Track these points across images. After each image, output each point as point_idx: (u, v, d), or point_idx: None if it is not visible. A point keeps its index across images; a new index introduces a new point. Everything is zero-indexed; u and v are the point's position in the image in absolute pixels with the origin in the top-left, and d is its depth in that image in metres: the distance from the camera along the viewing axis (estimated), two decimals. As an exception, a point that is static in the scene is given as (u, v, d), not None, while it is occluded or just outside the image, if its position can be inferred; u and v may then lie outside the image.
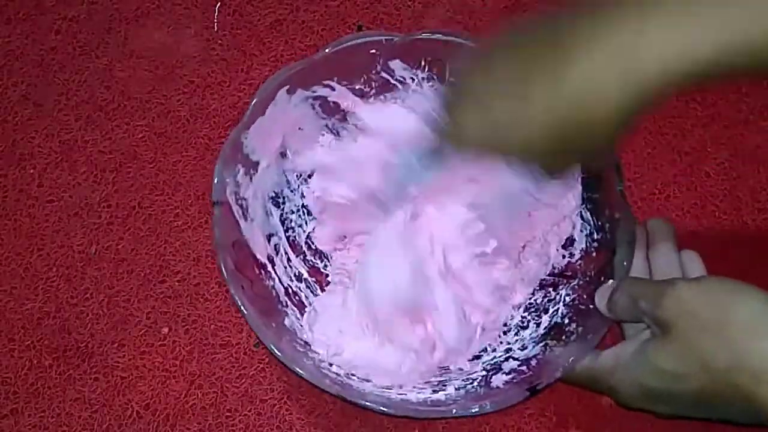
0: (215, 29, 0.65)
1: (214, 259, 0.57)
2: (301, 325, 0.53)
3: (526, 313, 0.55)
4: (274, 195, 0.56)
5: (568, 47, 0.38)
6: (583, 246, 0.54)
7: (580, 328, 0.50)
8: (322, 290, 0.56)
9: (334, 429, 0.53)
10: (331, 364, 0.51)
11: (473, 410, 0.47)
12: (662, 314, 0.43)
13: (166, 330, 0.56)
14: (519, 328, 0.54)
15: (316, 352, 0.51)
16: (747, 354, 0.40)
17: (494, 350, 0.53)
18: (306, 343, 0.52)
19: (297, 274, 0.56)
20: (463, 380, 0.51)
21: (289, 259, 0.55)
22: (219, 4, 0.65)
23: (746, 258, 0.58)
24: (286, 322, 0.52)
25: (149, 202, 0.59)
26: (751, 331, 0.40)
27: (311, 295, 0.55)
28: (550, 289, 0.54)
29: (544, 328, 0.52)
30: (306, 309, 0.54)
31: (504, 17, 0.66)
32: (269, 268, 0.53)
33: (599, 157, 0.44)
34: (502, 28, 0.43)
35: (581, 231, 0.54)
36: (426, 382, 0.51)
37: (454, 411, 0.47)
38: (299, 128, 0.56)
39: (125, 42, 0.64)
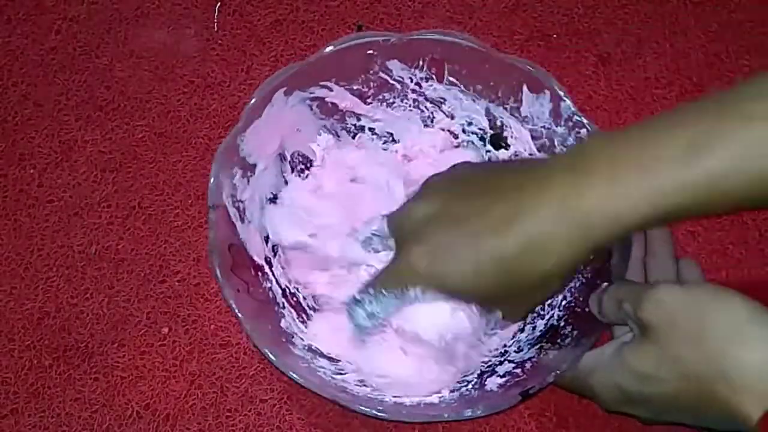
0: (215, 29, 0.65)
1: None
2: (299, 327, 0.53)
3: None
4: (271, 196, 0.56)
5: (515, 201, 0.41)
6: None
7: (575, 332, 0.50)
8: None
9: (334, 429, 0.53)
10: (335, 372, 0.50)
11: (466, 414, 0.46)
12: (642, 316, 0.43)
13: (166, 330, 0.56)
14: (516, 331, 0.54)
15: (316, 356, 0.51)
16: (724, 362, 0.39)
17: (490, 352, 0.53)
18: (307, 347, 0.52)
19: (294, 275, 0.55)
20: (457, 383, 0.51)
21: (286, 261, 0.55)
22: (219, 4, 0.65)
23: (747, 258, 0.58)
24: (283, 324, 0.52)
25: (149, 202, 0.59)
26: (729, 339, 0.40)
27: (309, 296, 0.55)
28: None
29: (540, 331, 0.52)
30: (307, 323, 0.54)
31: (504, 17, 0.66)
32: (266, 270, 0.53)
33: (554, 295, 0.47)
34: (451, 171, 0.47)
35: None
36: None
37: (447, 415, 0.47)
38: (297, 129, 0.56)
39: (125, 42, 0.64)
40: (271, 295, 0.53)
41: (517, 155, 0.56)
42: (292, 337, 0.51)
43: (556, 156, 0.45)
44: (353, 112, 0.57)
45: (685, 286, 0.43)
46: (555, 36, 0.65)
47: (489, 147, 0.58)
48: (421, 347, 0.49)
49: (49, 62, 0.63)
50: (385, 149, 0.59)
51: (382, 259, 0.51)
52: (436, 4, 0.66)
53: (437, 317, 0.47)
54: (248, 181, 0.53)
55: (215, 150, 0.51)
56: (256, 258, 0.53)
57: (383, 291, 0.45)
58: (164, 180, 0.60)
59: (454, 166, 0.49)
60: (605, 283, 0.48)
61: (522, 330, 0.53)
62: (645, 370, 0.42)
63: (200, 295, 0.56)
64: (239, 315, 0.47)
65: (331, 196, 0.56)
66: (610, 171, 0.39)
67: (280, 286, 0.54)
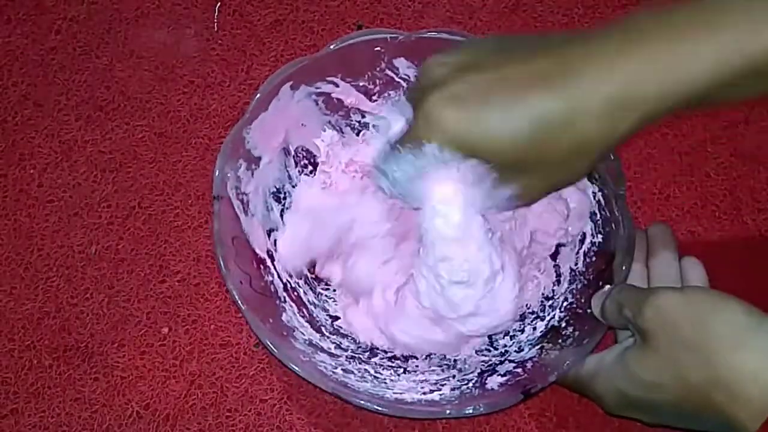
0: (215, 29, 0.65)
1: (214, 258, 0.57)
2: (299, 322, 0.53)
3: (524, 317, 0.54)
4: (275, 190, 0.56)
5: (563, 65, 0.38)
6: (584, 249, 0.54)
7: (576, 332, 0.50)
8: (322, 288, 0.56)
9: (334, 429, 0.53)
10: (335, 367, 0.51)
11: (467, 412, 0.47)
12: (642, 323, 0.43)
13: (166, 330, 0.56)
14: (517, 331, 0.54)
15: (317, 350, 0.51)
16: (723, 369, 0.39)
17: (490, 351, 0.53)
18: (309, 342, 0.52)
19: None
20: (458, 381, 0.51)
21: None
22: (219, 4, 0.65)
23: (746, 258, 0.58)
24: (284, 317, 0.52)
25: (149, 202, 0.59)
26: (729, 346, 0.39)
27: (310, 291, 0.55)
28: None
29: (541, 331, 0.52)
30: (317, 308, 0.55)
31: (504, 17, 0.66)
32: (268, 263, 0.53)
33: (578, 178, 0.44)
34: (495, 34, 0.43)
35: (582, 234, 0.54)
36: (423, 381, 0.51)
37: (448, 412, 0.47)
38: (302, 124, 0.56)
39: (125, 42, 0.64)
40: (272, 289, 0.53)
41: None
42: (293, 331, 0.51)
43: (608, 24, 0.41)
44: (358, 109, 0.57)
45: (685, 292, 0.43)
46: (555, 36, 0.65)
47: None
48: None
49: (49, 62, 0.63)
50: None
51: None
52: (436, 4, 0.66)
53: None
54: (252, 174, 0.53)
55: (215, 150, 0.51)
56: (258, 251, 0.53)
57: (399, 147, 0.41)
58: (164, 180, 0.60)
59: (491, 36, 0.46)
60: (607, 286, 0.48)
61: (522, 330, 0.53)
62: (646, 376, 0.42)
63: (200, 295, 0.56)
64: (241, 306, 0.47)
65: (344, 193, 0.56)
66: (664, 40, 0.37)
67: (282, 280, 0.54)
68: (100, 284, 0.57)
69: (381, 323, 0.53)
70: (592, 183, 0.53)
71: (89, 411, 0.53)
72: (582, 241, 0.54)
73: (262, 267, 0.53)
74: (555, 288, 0.54)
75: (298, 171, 0.57)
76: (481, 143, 0.39)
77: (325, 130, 0.57)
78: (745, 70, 0.37)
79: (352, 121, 0.58)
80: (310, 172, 0.57)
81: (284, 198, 0.56)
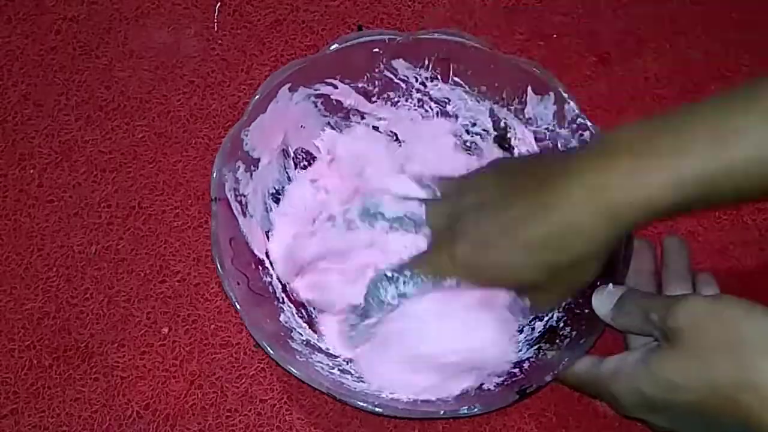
0: (215, 29, 0.65)
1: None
2: (297, 323, 0.53)
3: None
4: (274, 191, 0.56)
5: (549, 190, 0.44)
6: None
7: (573, 332, 0.50)
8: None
9: (334, 429, 0.53)
10: (333, 367, 0.51)
11: (461, 412, 0.47)
12: (672, 325, 0.43)
13: (166, 330, 0.56)
14: (515, 332, 0.54)
15: (314, 351, 0.51)
16: (756, 372, 0.39)
17: None
18: (307, 342, 0.52)
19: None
20: None
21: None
22: (219, 4, 0.65)
23: (747, 258, 0.58)
24: (282, 318, 0.52)
25: (149, 202, 0.59)
26: (760, 350, 0.40)
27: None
28: None
29: (539, 331, 0.52)
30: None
31: (504, 17, 0.66)
32: (267, 264, 0.53)
33: (591, 278, 0.48)
34: (488, 165, 0.51)
35: None
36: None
37: (443, 412, 0.47)
38: (301, 126, 0.56)
39: (125, 42, 0.64)
40: (271, 290, 0.53)
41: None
42: (291, 332, 0.51)
43: (585, 146, 0.49)
44: (358, 110, 0.57)
45: (717, 298, 0.44)
46: (555, 36, 0.65)
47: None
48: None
49: (49, 62, 0.63)
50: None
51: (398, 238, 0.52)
52: (436, 4, 0.66)
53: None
54: (251, 175, 0.53)
55: (215, 150, 0.51)
56: (256, 252, 0.53)
57: (422, 276, 0.48)
58: (164, 180, 0.60)
59: (491, 162, 0.52)
60: (610, 285, 0.48)
61: (521, 331, 0.53)
62: (671, 377, 0.43)
63: (200, 295, 0.56)
64: (239, 307, 0.47)
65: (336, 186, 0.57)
66: (634, 161, 0.41)
67: (281, 282, 0.54)
68: (100, 284, 0.57)
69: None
70: None
71: (89, 411, 0.53)
72: None
73: (260, 268, 0.53)
74: None
75: (298, 172, 0.57)
76: (494, 277, 0.47)
77: (324, 131, 0.57)
78: (706, 188, 0.40)
79: (351, 122, 0.58)
80: (304, 167, 0.57)
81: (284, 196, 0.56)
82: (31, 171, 0.60)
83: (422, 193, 0.52)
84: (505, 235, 0.45)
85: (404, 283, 0.48)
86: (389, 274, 0.48)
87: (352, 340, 0.51)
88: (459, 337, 0.50)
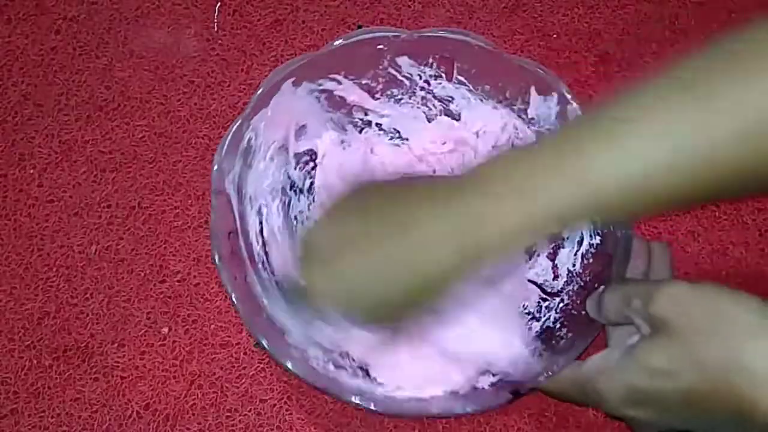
0: (215, 29, 0.65)
1: (214, 258, 0.57)
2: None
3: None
4: (274, 186, 0.56)
5: (404, 217, 0.41)
6: (582, 251, 0.54)
7: (569, 334, 0.50)
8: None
9: (334, 429, 0.53)
10: (327, 362, 0.50)
11: (455, 411, 0.46)
12: (655, 311, 0.43)
13: (166, 330, 0.56)
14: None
15: (312, 343, 0.51)
16: (745, 353, 0.39)
17: None
18: (303, 335, 0.52)
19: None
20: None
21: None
22: (219, 4, 0.65)
23: (747, 258, 0.58)
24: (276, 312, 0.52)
25: (149, 202, 0.59)
26: (749, 331, 0.40)
27: None
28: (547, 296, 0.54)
29: (536, 332, 0.52)
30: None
31: (504, 17, 0.66)
32: (264, 259, 0.53)
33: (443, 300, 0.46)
34: (348, 190, 0.47)
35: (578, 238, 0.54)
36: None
37: (436, 411, 0.47)
38: (304, 121, 0.56)
39: (125, 42, 0.64)
40: (267, 284, 0.53)
41: None
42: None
43: (447, 177, 0.46)
44: (361, 107, 0.57)
45: (698, 283, 0.43)
46: (555, 36, 0.65)
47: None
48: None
49: (49, 62, 0.63)
50: (394, 145, 0.59)
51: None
52: (436, 4, 0.66)
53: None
54: (252, 169, 0.53)
55: (215, 150, 0.51)
56: (254, 246, 0.53)
57: (299, 310, 0.47)
58: (164, 180, 0.60)
59: (359, 184, 0.48)
60: (602, 287, 0.48)
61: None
62: (659, 364, 0.42)
63: (200, 295, 0.56)
64: (235, 301, 0.47)
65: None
66: (482, 196, 0.40)
67: (277, 277, 0.54)
68: (100, 284, 0.57)
69: None
70: None
71: (89, 411, 0.53)
72: (580, 243, 0.54)
73: (257, 263, 0.53)
74: (552, 289, 0.54)
75: (299, 168, 0.57)
76: (354, 311, 0.44)
77: (327, 130, 0.57)
78: (561, 222, 0.39)
79: (354, 118, 0.58)
80: (312, 168, 0.57)
81: (283, 193, 0.56)
82: (31, 171, 0.60)
83: None
84: (361, 252, 0.43)
85: (298, 310, 0.47)
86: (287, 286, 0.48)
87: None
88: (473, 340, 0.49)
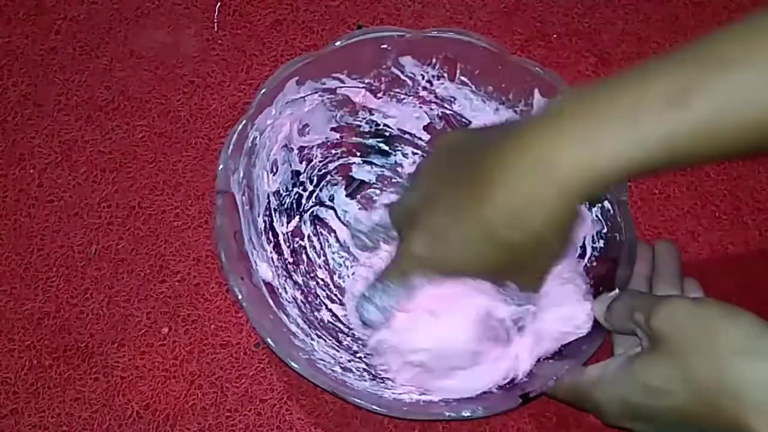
0: (215, 29, 0.65)
1: (215, 259, 0.57)
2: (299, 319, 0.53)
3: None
4: (279, 185, 0.56)
5: (493, 166, 0.41)
6: (586, 256, 0.54)
7: (577, 339, 0.50)
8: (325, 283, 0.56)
9: (334, 429, 0.53)
10: (335, 364, 0.50)
11: (464, 414, 0.46)
12: (654, 326, 0.42)
13: (166, 330, 0.56)
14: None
15: (313, 347, 0.51)
16: (734, 376, 0.39)
17: None
18: (310, 338, 0.52)
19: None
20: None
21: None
22: (219, 4, 0.65)
23: (746, 258, 0.58)
24: (283, 314, 0.51)
25: (149, 202, 0.59)
26: (741, 354, 0.39)
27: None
28: None
29: None
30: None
31: (504, 17, 0.66)
32: (272, 259, 0.53)
33: (559, 255, 0.46)
34: (434, 146, 0.47)
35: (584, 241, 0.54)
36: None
37: (447, 414, 0.47)
38: (308, 120, 0.56)
39: (125, 42, 0.64)
40: (273, 285, 0.53)
41: None
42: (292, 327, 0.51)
43: (532, 116, 0.44)
44: (366, 106, 0.57)
45: (698, 300, 0.43)
46: (555, 36, 0.65)
47: None
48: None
49: (49, 62, 0.63)
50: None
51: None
52: (436, 4, 0.66)
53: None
54: (256, 168, 0.53)
55: (215, 150, 0.51)
56: (261, 245, 0.53)
57: (390, 283, 0.46)
58: (164, 180, 0.60)
59: (438, 139, 0.48)
60: (616, 290, 0.48)
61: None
62: (654, 382, 0.42)
63: (200, 295, 0.56)
64: (241, 300, 0.47)
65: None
66: (585, 125, 0.38)
67: (285, 275, 0.54)
68: (100, 284, 0.57)
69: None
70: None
71: (89, 411, 0.53)
72: (583, 248, 0.54)
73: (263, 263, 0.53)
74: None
75: (303, 165, 0.57)
76: (456, 269, 0.44)
77: (329, 129, 0.57)
78: (659, 152, 0.37)
79: (358, 118, 0.58)
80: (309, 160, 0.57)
81: (287, 192, 0.56)
82: (31, 171, 0.60)
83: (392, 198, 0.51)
84: (456, 222, 0.42)
85: (380, 297, 0.46)
86: (366, 293, 0.47)
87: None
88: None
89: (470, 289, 0.46)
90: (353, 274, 0.57)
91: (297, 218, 0.57)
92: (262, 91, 0.51)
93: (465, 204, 0.42)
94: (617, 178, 0.38)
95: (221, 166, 0.50)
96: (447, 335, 0.48)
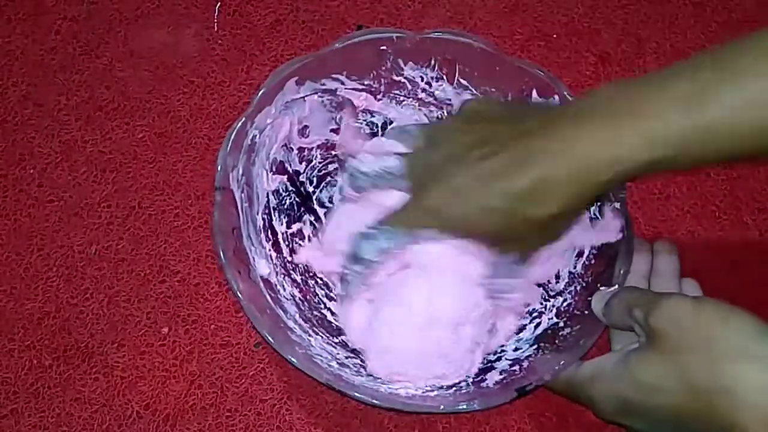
0: (215, 29, 0.65)
1: (215, 259, 0.57)
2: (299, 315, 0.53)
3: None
4: (278, 184, 0.56)
5: (527, 143, 0.44)
6: (586, 253, 0.54)
7: (573, 333, 0.50)
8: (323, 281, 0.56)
9: (334, 429, 0.53)
10: (331, 360, 0.50)
11: (461, 408, 0.46)
12: (652, 323, 0.43)
13: (166, 330, 0.56)
14: (514, 332, 0.54)
15: (310, 342, 0.51)
16: (729, 376, 0.39)
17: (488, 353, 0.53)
18: (307, 333, 0.52)
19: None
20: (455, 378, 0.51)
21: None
22: (219, 4, 0.65)
23: (746, 258, 0.58)
24: (280, 309, 0.52)
25: (149, 202, 0.59)
26: (736, 355, 0.39)
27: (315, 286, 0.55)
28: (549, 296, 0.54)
29: (540, 331, 0.52)
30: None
31: (504, 17, 0.66)
32: (269, 252, 0.53)
33: (556, 239, 0.49)
34: (460, 109, 0.50)
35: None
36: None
37: (442, 407, 0.47)
38: (307, 120, 0.56)
39: (125, 42, 0.64)
40: (272, 281, 0.53)
41: None
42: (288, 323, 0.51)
43: (565, 105, 0.49)
44: (367, 109, 0.57)
45: (698, 300, 0.43)
46: (555, 36, 0.65)
47: None
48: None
49: (49, 62, 0.63)
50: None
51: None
52: (436, 4, 0.66)
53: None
54: (255, 166, 0.53)
55: (215, 150, 0.51)
56: (258, 240, 0.53)
57: (395, 228, 0.48)
58: (164, 180, 0.60)
59: (463, 104, 0.51)
60: (615, 286, 0.48)
61: (523, 329, 0.53)
62: (649, 379, 0.42)
63: (200, 295, 0.56)
64: (239, 295, 0.47)
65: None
66: (610, 118, 0.42)
67: (283, 271, 0.54)
68: (100, 284, 0.57)
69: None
70: None
71: (89, 411, 0.53)
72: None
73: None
74: (554, 288, 0.54)
75: (303, 165, 0.57)
76: (468, 228, 0.46)
77: (329, 129, 0.57)
78: (679, 149, 0.41)
79: (358, 119, 0.58)
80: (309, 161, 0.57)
81: (286, 190, 0.56)
82: (31, 171, 0.60)
83: (400, 147, 0.52)
84: (481, 186, 0.45)
85: (382, 239, 0.48)
86: (366, 231, 0.48)
87: (346, 290, 0.52)
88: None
89: (465, 252, 0.49)
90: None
91: (297, 220, 0.57)
92: (261, 91, 0.52)
93: (494, 173, 0.44)
94: (636, 172, 0.42)
95: (219, 164, 0.50)
96: (437, 291, 0.50)
